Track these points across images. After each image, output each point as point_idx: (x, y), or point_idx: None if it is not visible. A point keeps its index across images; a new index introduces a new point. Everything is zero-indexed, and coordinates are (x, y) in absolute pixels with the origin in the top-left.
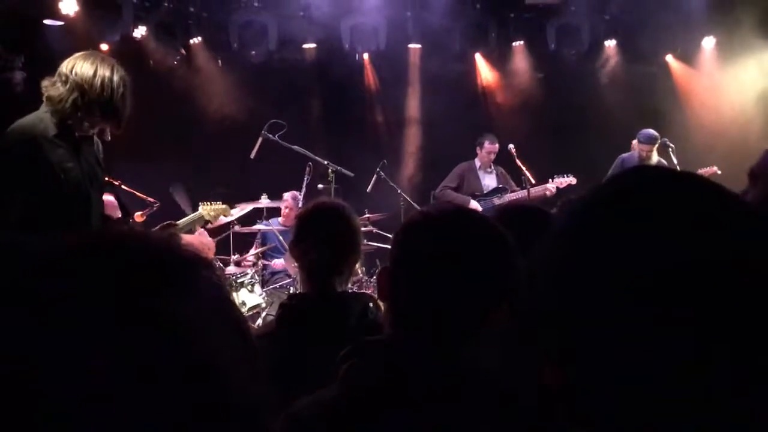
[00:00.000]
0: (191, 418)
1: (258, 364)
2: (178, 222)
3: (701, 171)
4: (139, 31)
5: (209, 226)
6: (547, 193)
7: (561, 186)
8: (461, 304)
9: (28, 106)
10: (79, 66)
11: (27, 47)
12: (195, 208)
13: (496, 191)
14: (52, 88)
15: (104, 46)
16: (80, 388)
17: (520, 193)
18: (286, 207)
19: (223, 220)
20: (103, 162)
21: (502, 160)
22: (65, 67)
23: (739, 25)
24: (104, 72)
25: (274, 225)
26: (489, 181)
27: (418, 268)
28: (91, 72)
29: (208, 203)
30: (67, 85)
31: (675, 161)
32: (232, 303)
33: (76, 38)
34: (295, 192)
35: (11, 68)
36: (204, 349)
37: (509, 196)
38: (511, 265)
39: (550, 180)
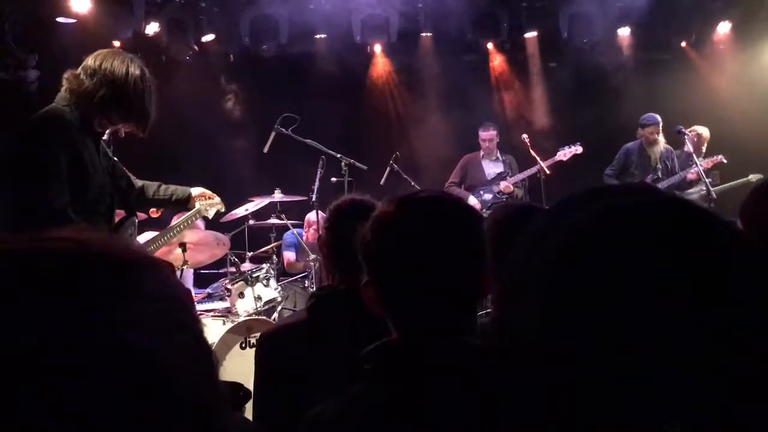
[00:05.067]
0: (138, 418)
1: (211, 363)
2: (175, 222)
3: (706, 160)
4: (151, 28)
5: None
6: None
7: (566, 158)
8: (450, 289)
9: (42, 105)
10: (109, 62)
11: (40, 46)
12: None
13: (496, 178)
14: (76, 81)
15: (116, 43)
16: (20, 393)
17: (521, 175)
18: (311, 228)
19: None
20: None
21: (516, 150)
22: (93, 61)
23: (754, 8)
24: (135, 71)
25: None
26: (494, 169)
27: (401, 271)
28: (122, 70)
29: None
30: (95, 80)
31: (691, 149)
32: (183, 302)
33: (89, 36)
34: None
35: (25, 67)
36: (148, 350)
37: (505, 182)
38: (474, 235)
39: (559, 151)
